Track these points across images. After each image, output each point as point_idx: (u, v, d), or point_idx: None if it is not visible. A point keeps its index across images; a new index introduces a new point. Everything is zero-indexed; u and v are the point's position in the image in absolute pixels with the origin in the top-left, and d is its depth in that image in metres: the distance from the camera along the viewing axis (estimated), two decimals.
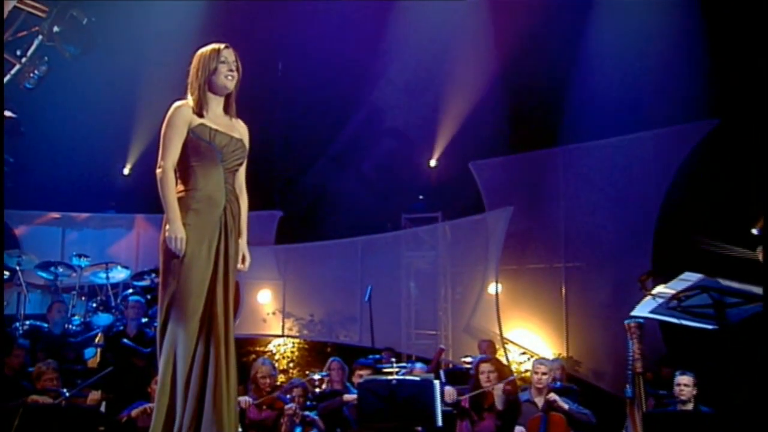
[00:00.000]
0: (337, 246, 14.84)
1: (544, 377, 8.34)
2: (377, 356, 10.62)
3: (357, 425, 8.14)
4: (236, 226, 4.92)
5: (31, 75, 10.28)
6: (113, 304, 12.27)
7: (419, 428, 7.63)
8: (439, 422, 7.60)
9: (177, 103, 4.87)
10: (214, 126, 4.85)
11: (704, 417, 7.60)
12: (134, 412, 7.82)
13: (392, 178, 15.52)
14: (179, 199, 4.75)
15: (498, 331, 12.59)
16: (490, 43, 13.31)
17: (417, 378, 8.10)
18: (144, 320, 10.93)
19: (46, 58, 10.44)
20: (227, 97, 5.00)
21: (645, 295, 6.60)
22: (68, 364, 9.88)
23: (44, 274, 12.28)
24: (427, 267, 14.18)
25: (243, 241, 5.01)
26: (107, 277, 12.49)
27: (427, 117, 14.84)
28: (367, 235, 14.62)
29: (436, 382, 7.78)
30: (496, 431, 8.29)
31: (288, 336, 14.80)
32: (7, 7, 9.49)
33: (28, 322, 11.13)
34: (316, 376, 9.84)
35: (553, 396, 8.08)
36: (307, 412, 8.45)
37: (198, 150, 4.80)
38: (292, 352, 14.73)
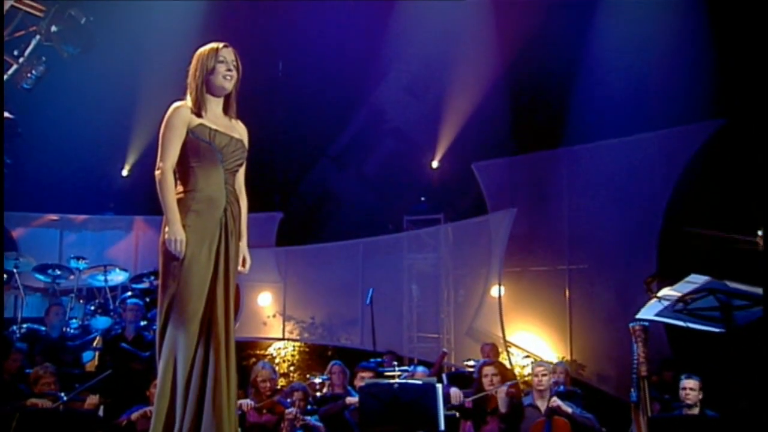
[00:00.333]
0: (338, 248, 14.83)
1: (544, 378, 8.33)
2: (379, 359, 10.60)
3: (359, 429, 8.12)
4: (236, 228, 4.91)
5: (29, 75, 10.26)
6: (112, 307, 12.26)
7: None
8: (442, 426, 7.57)
9: (175, 104, 4.86)
10: (213, 126, 4.84)
11: (710, 422, 7.59)
12: (134, 416, 7.81)
13: (394, 179, 15.52)
14: (179, 201, 4.74)
15: (501, 335, 12.57)
16: (493, 42, 13.30)
17: (419, 382, 8.07)
18: (143, 323, 10.94)
19: (43, 58, 10.41)
20: (227, 98, 4.99)
21: (650, 298, 6.57)
22: (66, 367, 9.88)
23: (42, 277, 12.28)
24: (429, 269, 14.15)
25: (243, 243, 5.00)
26: (106, 280, 12.49)
27: (429, 117, 14.83)
28: (369, 236, 14.61)
29: (439, 386, 7.75)
30: None
31: (288, 339, 14.78)
32: (5, 6, 9.48)
33: (25, 326, 11.14)
34: (317, 380, 9.82)
35: (556, 401, 8.06)
36: (308, 417, 8.43)
37: (198, 151, 4.79)
38: (292, 355, 14.72)
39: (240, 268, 4.98)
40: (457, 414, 8.47)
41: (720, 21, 10.81)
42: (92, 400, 8.01)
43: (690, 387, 7.84)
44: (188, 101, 4.87)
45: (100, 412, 8.07)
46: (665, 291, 6.35)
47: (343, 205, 15.72)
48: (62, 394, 7.85)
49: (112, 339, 10.63)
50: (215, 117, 4.92)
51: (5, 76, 10.02)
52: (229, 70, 4.89)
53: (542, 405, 8.20)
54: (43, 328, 10.90)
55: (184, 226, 4.67)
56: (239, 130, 5.03)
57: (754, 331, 6.13)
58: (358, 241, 14.61)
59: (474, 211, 13.99)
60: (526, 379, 10.61)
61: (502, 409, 8.35)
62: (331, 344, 14.56)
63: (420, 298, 14.15)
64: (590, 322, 12.39)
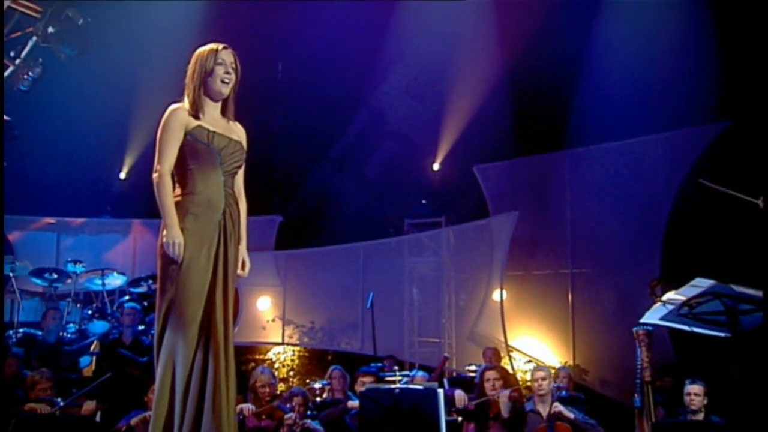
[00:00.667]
0: (339, 251, 14.82)
1: (545, 383, 8.31)
2: (379, 364, 10.59)
3: None
4: (236, 231, 4.89)
5: (25, 77, 10.23)
6: (109, 311, 12.23)
7: None
8: None
9: (173, 106, 4.85)
10: (211, 128, 4.83)
11: (715, 427, 7.57)
12: (133, 421, 7.80)
13: (395, 182, 15.51)
14: (177, 203, 4.73)
15: (503, 339, 12.56)
16: (494, 43, 13.32)
17: (420, 387, 8.06)
18: (140, 327, 10.93)
19: (40, 60, 10.38)
20: (225, 100, 4.97)
21: (655, 302, 6.55)
22: (63, 372, 9.85)
23: (38, 281, 12.26)
24: (431, 273, 14.15)
25: (243, 247, 4.99)
26: (103, 284, 12.47)
27: (430, 119, 14.85)
28: (369, 240, 14.60)
29: (440, 391, 7.75)
30: None
31: (288, 344, 14.77)
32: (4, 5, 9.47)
33: (21, 330, 11.12)
34: (317, 385, 9.81)
35: (558, 407, 8.05)
36: (308, 421, 8.42)
37: (196, 153, 4.77)
38: (292, 360, 14.71)
39: (239, 271, 4.97)
40: (460, 418, 8.46)
41: (724, 21, 10.80)
42: (89, 405, 8.00)
43: (694, 392, 7.82)
44: (185, 103, 4.86)
45: (97, 418, 8.05)
46: (670, 295, 6.33)
47: (344, 208, 15.71)
48: (59, 400, 7.84)
49: (110, 343, 10.60)
50: (213, 119, 4.91)
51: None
52: (228, 72, 4.88)
53: (544, 410, 8.19)
54: (40, 333, 10.88)
55: (182, 230, 4.66)
56: (238, 132, 5.02)
57: (760, 335, 6.11)
58: (358, 245, 14.60)
59: (475, 214, 13.98)
60: (529, 384, 10.61)
61: (504, 414, 8.33)
62: (331, 349, 14.54)
63: (421, 302, 14.14)
64: (593, 327, 12.38)
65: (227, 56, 4.90)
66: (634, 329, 7.11)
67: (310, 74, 14.79)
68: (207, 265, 4.71)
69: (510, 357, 12.50)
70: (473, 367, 10.47)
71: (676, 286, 6.44)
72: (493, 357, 11.15)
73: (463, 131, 14.26)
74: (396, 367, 10.28)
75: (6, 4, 9.62)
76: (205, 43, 4.96)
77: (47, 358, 10.06)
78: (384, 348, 12.09)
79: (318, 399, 9.46)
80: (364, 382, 8.99)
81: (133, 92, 13.51)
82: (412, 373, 9.87)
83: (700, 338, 6.65)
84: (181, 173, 4.80)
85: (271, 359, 14.54)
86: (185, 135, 4.77)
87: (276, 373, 11.27)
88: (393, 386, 7.95)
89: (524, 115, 13.58)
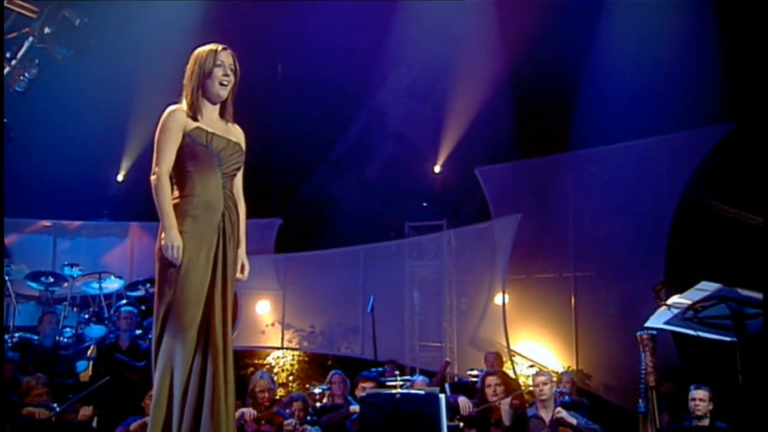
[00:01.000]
0: (339, 255, 14.81)
1: (546, 388, 8.28)
2: (380, 369, 10.57)
3: None
4: (235, 234, 4.88)
5: (22, 78, 10.24)
6: (106, 315, 12.23)
7: None
8: None
9: (171, 107, 4.84)
10: (210, 129, 4.82)
11: None
12: (131, 427, 7.78)
13: (395, 184, 15.51)
14: (176, 206, 4.72)
15: (505, 343, 12.56)
16: (496, 44, 13.31)
17: (422, 392, 8.05)
18: (138, 332, 10.92)
19: (36, 61, 10.39)
20: (223, 101, 4.96)
21: (659, 306, 6.54)
22: (59, 377, 9.84)
23: (35, 285, 12.24)
24: (432, 276, 14.14)
25: (242, 250, 4.98)
26: (100, 288, 12.47)
27: (432, 121, 14.84)
28: (370, 243, 14.60)
29: (442, 396, 7.74)
30: None
31: (287, 348, 14.75)
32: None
33: (17, 335, 11.10)
34: (317, 390, 9.80)
35: (560, 412, 8.03)
36: (308, 427, 8.40)
37: (195, 154, 4.77)
38: (291, 364, 14.68)
39: (238, 275, 4.96)
40: (461, 424, 8.44)
41: (729, 22, 10.79)
42: (86, 411, 7.99)
43: (699, 398, 7.80)
44: (184, 104, 4.85)
45: (94, 424, 8.04)
46: (675, 299, 6.33)
47: (344, 210, 15.70)
48: (55, 405, 7.82)
49: (107, 348, 10.60)
50: (211, 120, 4.90)
51: None
52: (226, 75, 4.87)
53: (546, 416, 8.16)
54: (36, 337, 10.87)
55: (181, 232, 4.65)
56: (236, 134, 5.02)
57: (765, 339, 6.10)
58: (358, 248, 14.59)
59: (477, 216, 13.99)
60: (531, 389, 10.59)
61: (506, 421, 8.32)
62: (331, 353, 14.53)
63: (422, 306, 14.13)
64: (597, 331, 12.37)
65: (226, 58, 4.89)
66: (638, 333, 7.10)
67: (310, 75, 14.79)
68: (206, 268, 4.70)
69: (512, 362, 12.49)
70: (475, 372, 10.46)
71: (680, 289, 6.44)
72: (495, 361, 11.15)
73: (464, 133, 14.26)
74: (397, 372, 10.27)
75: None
76: (203, 44, 4.95)
77: (43, 362, 10.05)
78: (385, 352, 12.08)
79: (318, 404, 9.45)
80: (365, 387, 8.97)
81: (130, 93, 13.50)
82: (413, 377, 9.85)
83: (705, 342, 6.64)
84: (180, 175, 4.79)
85: (270, 364, 14.51)
86: (184, 136, 4.76)
87: (275, 378, 11.29)
88: (394, 391, 7.93)
89: (526, 117, 13.59)
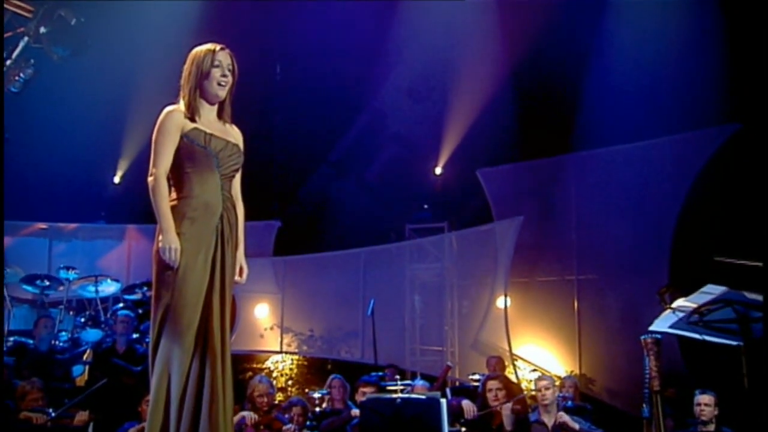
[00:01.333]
0: (338, 258, 14.79)
1: (548, 392, 8.28)
2: (380, 373, 10.56)
3: None
4: (233, 236, 4.88)
5: (17, 78, 10.23)
6: (103, 319, 12.21)
7: None
8: None
9: (168, 108, 4.83)
10: (208, 130, 4.81)
11: None
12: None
13: (396, 186, 15.50)
14: (173, 207, 4.71)
15: (507, 347, 12.54)
16: (498, 44, 13.31)
17: (423, 396, 8.04)
18: (134, 336, 10.91)
19: (32, 61, 10.38)
20: (221, 102, 4.96)
21: (664, 309, 6.53)
22: (55, 382, 9.84)
23: (30, 288, 12.24)
24: (433, 279, 14.13)
25: (240, 253, 4.97)
26: (96, 291, 12.44)
27: (432, 122, 14.83)
28: (370, 246, 14.58)
29: (443, 401, 7.73)
30: None
31: (286, 352, 14.74)
32: None
33: (12, 339, 11.09)
34: (317, 395, 9.76)
35: (563, 417, 8.02)
36: None
37: (193, 155, 4.76)
38: (290, 369, 14.67)
39: (237, 278, 4.95)
40: (463, 429, 8.43)
41: (735, 22, 10.79)
42: (81, 416, 8.00)
43: (705, 403, 7.80)
44: (181, 105, 4.85)
45: (90, 429, 8.03)
46: (680, 302, 6.31)
47: (344, 213, 15.68)
48: (50, 410, 7.81)
49: (103, 352, 10.59)
50: (209, 121, 4.90)
51: None
52: (224, 75, 4.87)
53: (549, 420, 8.16)
54: (31, 341, 10.85)
55: (178, 234, 4.64)
56: (234, 135, 5.01)
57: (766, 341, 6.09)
58: (358, 251, 14.58)
59: (479, 219, 13.97)
60: (533, 393, 10.59)
61: (508, 426, 8.33)
62: (331, 357, 14.52)
63: (423, 310, 14.12)
64: (600, 335, 12.36)
65: (224, 58, 4.89)
66: (642, 337, 7.08)
67: (309, 76, 14.79)
68: (204, 271, 4.69)
69: (514, 366, 12.48)
70: (477, 377, 10.43)
71: (685, 293, 6.42)
72: (497, 366, 11.14)
73: (466, 134, 14.25)
74: (397, 377, 10.24)
75: None
76: (201, 43, 4.95)
77: (39, 367, 10.04)
78: (385, 356, 12.06)
79: (317, 409, 9.42)
80: (365, 392, 8.96)
81: (127, 94, 13.48)
82: (414, 382, 9.84)
83: (710, 346, 6.62)
84: (178, 176, 4.79)
85: (269, 368, 14.49)
86: (181, 137, 4.76)
87: (274, 383, 11.25)
88: (394, 396, 7.92)
89: (529, 118, 13.56)
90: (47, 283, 12.16)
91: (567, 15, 12.51)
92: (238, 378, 11.52)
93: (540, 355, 12.96)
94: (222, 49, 4.91)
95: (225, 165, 4.85)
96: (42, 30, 10.20)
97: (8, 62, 10.06)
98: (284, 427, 8.20)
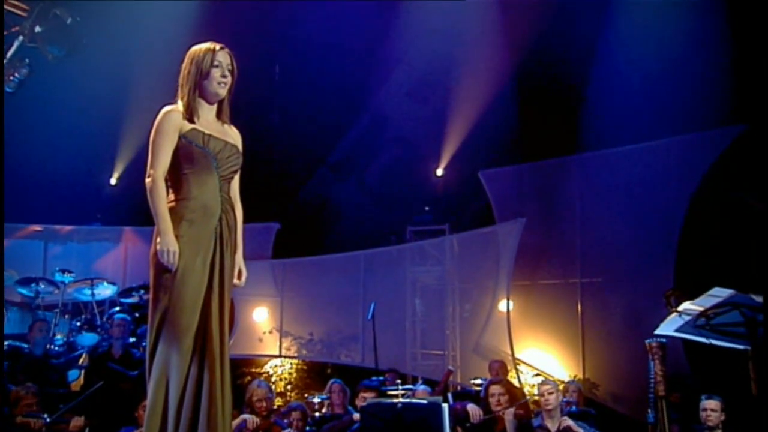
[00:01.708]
0: (338, 260, 14.78)
1: (551, 397, 8.25)
2: (381, 378, 10.55)
3: None
4: (232, 239, 4.86)
5: (12, 78, 10.23)
6: (99, 322, 12.21)
7: None
8: None
9: (166, 108, 4.82)
10: (207, 131, 4.80)
11: None
12: None
13: (396, 188, 15.50)
14: (171, 209, 4.70)
15: (509, 351, 12.52)
16: (501, 44, 13.29)
17: (424, 401, 8.03)
18: (131, 340, 10.89)
19: (27, 60, 10.38)
20: (220, 102, 4.95)
21: (670, 313, 6.52)
22: (50, 387, 9.82)
23: (25, 291, 12.23)
24: (434, 283, 14.11)
25: (239, 255, 4.97)
26: (93, 294, 12.45)
27: (434, 122, 14.83)
28: (370, 248, 14.57)
29: (445, 406, 7.71)
30: None
31: (286, 356, 14.73)
32: None
33: (7, 343, 11.05)
34: (316, 400, 9.76)
35: (566, 422, 8.01)
36: None
37: (191, 156, 4.74)
38: (290, 373, 14.66)
39: (235, 281, 4.94)
40: None
41: (741, 22, 10.78)
42: (77, 422, 7.99)
43: (711, 408, 7.79)
44: (179, 105, 4.83)
45: None
46: (686, 305, 6.31)
47: (343, 215, 15.69)
48: (45, 416, 7.80)
49: (99, 357, 10.58)
50: (208, 122, 4.88)
51: None
52: (224, 75, 4.86)
53: (552, 426, 8.15)
54: (26, 346, 10.83)
55: (176, 237, 4.62)
56: (233, 136, 5.00)
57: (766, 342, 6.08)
58: (358, 253, 14.56)
59: (481, 221, 13.96)
60: (536, 398, 10.56)
61: (510, 431, 8.29)
62: (331, 362, 14.51)
63: (424, 313, 14.11)
64: (604, 339, 12.34)
65: (224, 57, 4.88)
66: (647, 341, 7.07)
67: (309, 76, 14.77)
68: (202, 274, 4.68)
69: (517, 370, 12.46)
70: (479, 381, 10.42)
71: (691, 296, 6.42)
72: (499, 370, 11.12)
73: (467, 135, 14.25)
74: (398, 381, 10.23)
75: None
76: (199, 42, 4.93)
77: (33, 371, 10.03)
78: (386, 361, 12.05)
79: (317, 414, 9.41)
80: (365, 397, 8.95)
81: (124, 94, 13.47)
82: (415, 387, 9.83)
83: (716, 350, 6.61)
84: (176, 178, 4.77)
85: (267, 373, 14.49)
86: (179, 138, 4.74)
87: (273, 387, 11.26)
88: (395, 401, 7.91)
89: (531, 118, 13.53)
90: (42, 286, 12.15)
91: (570, 14, 12.50)
92: (236, 383, 11.49)
93: (543, 359, 12.95)
94: (222, 48, 4.89)
95: (224, 166, 4.83)
96: (37, 29, 10.21)
97: (3, 62, 10.05)
98: None
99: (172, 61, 5.24)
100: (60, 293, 12.30)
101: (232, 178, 4.94)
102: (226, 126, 4.98)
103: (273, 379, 14.25)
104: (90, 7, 11.39)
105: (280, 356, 14.75)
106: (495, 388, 8.62)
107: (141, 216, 10.91)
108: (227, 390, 4.64)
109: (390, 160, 15.73)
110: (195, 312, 4.62)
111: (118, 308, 12.20)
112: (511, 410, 8.36)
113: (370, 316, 11.72)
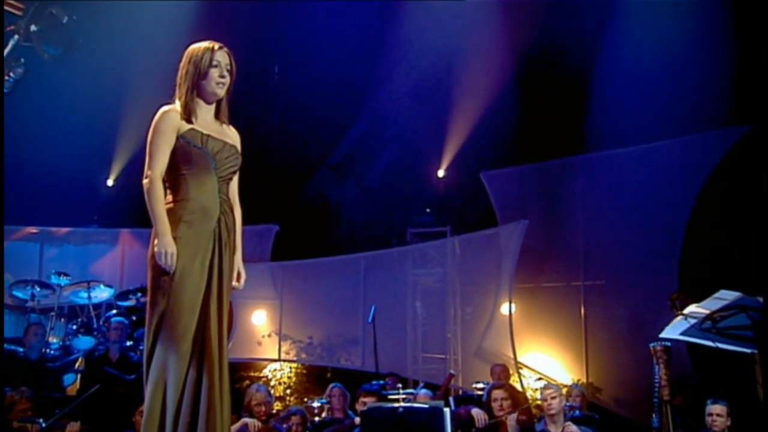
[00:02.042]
0: (338, 263, 14.78)
1: (554, 401, 8.24)
2: (381, 382, 10.54)
3: None
4: (231, 240, 4.84)
5: (7, 78, 10.21)
6: (95, 326, 12.20)
7: None
8: None
9: (164, 108, 4.80)
10: (205, 131, 4.78)
11: None
12: None
13: (397, 189, 15.50)
14: (169, 211, 4.68)
15: (512, 355, 12.52)
16: (503, 44, 13.29)
17: (425, 405, 8.01)
18: (128, 343, 10.88)
19: (22, 60, 10.34)
20: (218, 102, 4.94)
21: (675, 316, 6.51)
22: (46, 391, 9.80)
23: (20, 294, 12.21)
24: (435, 285, 14.10)
25: (238, 257, 4.94)
26: (89, 297, 12.42)
27: (435, 124, 14.82)
28: (371, 250, 14.58)
29: (446, 410, 7.70)
30: None
31: (285, 360, 14.72)
32: None
33: None
34: (316, 404, 9.74)
35: (570, 426, 8.00)
36: None
37: (189, 157, 4.73)
38: (289, 377, 14.66)
39: (234, 283, 4.92)
40: None
41: (744, 22, 10.77)
42: (73, 427, 7.97)
43: (717, 413, 7.76)
44: (177, 105, 4.82)
45: None
46: (692, 308, 6.30)
47: (344, 217, 15.68)
48: (41, 421, 7.79)
49: (96, 360, 10.57)
50: (206, 122, 4.87)
51: None
52: (223, 75, 4.84)
53: (555, 430, 8.13)
54: (21, 349, 10.82)
55: (174, 238, 4.60)
56: (232, 136, 4.99)
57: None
58: (359, 256, 14.56)
59: (483, 223, 13.95)
60: (539, 403, 10.56)
61: None
62: (331, 365, 14.51)
63: (425, 316, 14.09)
64: (607, 342, 12.34)
65: (223, 57, 4.86)
66: (652, 345, 7.08)
67: (308, 76, 14.77)
68: (201, 276, 4.66)
69: (519, 374, 12.45)
70: (481, 385, 10.40)
71: (697, 299, 6.40)
72: (501, 374, 11.11)
73: (469, 136, 14.24)
74: (399, 385, 10.20)
75: None
76: (198, 41, 4.91)
77: (29, 376, 10.02)
78: (386, 364, 12.04)
79: (317, 419, 9.40)
80: (366, 401, 8.94)
81: (121, 94, 13.48)
82: (416, 391, 9.82)
83: (721, 354, 6.60)
84: (174, 179, 4.75)
85: (266, 376, 14.49)
86: (177, 138, 4.72)
87: (272, 392, 11.25)
88: (396, 405, 7.89)
89: (534, 119, 13.53)
90: (38, 289, 12.13)
91: (573, 15, 12.51)
92: (235, 387, 11.49)
93: (546, 363, 12.94)
94: (220, 47, 4.87)
95: (222, 167, 4.82)
96: (33, 28, 10.17)
97: None
98: None
99: (170, 60, 5.22)
100: (56, 296, 12.28)
101: (230, 179, 4.93)
102: (224, 126, 4.97)
103: (272, 383, 14.25)
104: (86, 6, 11.36)
105: (279, 360, 14.74)
106: (497, 393, 8.61)
107: (138, 218, 10.89)
108: (226, 394, 4.62)
109: (390, 161, 15.73)
110: (193, 315, 4.60)
111: (114, 311, 12.18)
112: (514, 415, 8.36)
113: (370, 319, 11.71)
